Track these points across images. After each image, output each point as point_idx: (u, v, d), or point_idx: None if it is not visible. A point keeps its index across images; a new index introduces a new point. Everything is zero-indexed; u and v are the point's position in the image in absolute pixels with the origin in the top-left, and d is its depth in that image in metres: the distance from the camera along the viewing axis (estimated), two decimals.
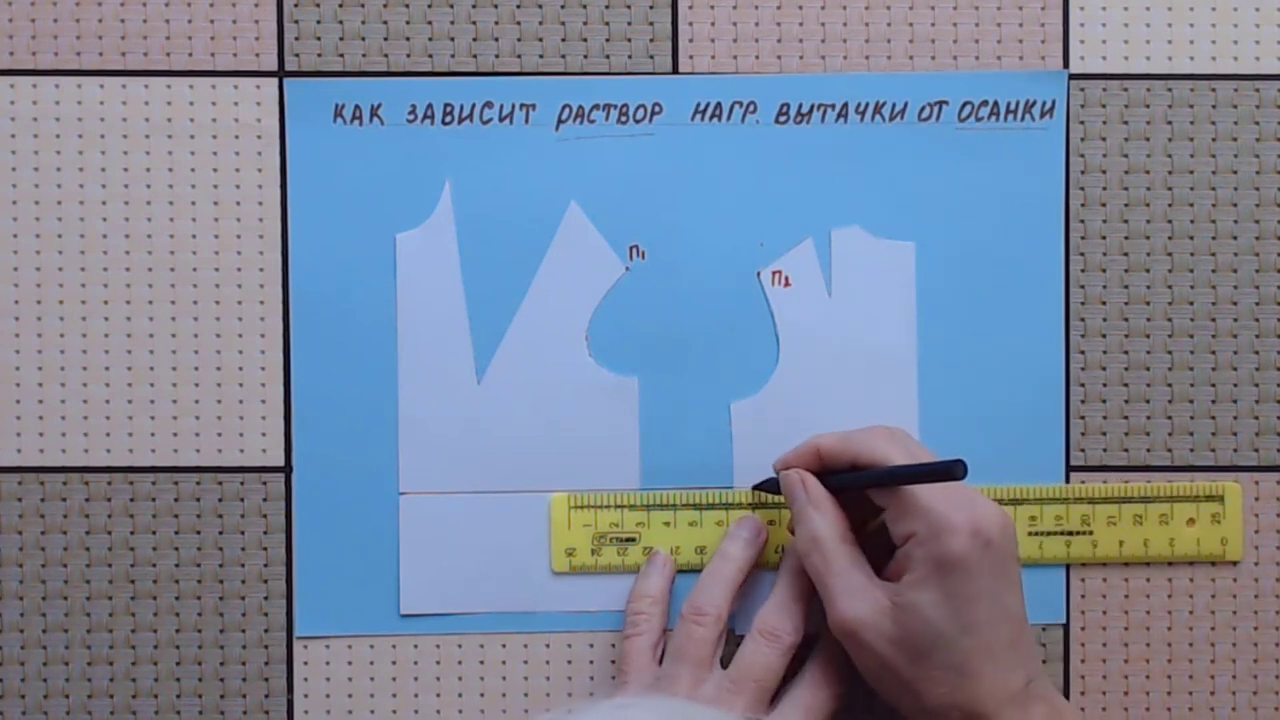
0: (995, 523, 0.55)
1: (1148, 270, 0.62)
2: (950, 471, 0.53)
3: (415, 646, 0.61)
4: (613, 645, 0.61)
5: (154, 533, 0.61)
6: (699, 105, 0.61)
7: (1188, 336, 0.62)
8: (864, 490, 0.57)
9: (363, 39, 0.61)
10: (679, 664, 0.58)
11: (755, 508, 0.61)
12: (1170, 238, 0.62)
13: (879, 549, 0.57)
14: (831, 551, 0.57)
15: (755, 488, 0.61)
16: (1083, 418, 0.62)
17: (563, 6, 0.61)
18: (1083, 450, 0.62)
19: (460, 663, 0.61)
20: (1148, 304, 0.62)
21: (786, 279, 0.61)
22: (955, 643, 0.54)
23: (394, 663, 0.61)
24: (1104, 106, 0.62)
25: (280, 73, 0.61)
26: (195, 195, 0.61)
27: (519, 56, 0.61)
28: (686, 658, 0.58)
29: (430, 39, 0.61)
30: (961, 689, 0.54)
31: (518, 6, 0.61)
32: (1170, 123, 0.62)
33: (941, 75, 0.61)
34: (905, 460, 0.56)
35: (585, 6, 0.61)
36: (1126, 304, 0.62)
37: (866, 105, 0.61)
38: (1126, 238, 0.62)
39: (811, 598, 0.59)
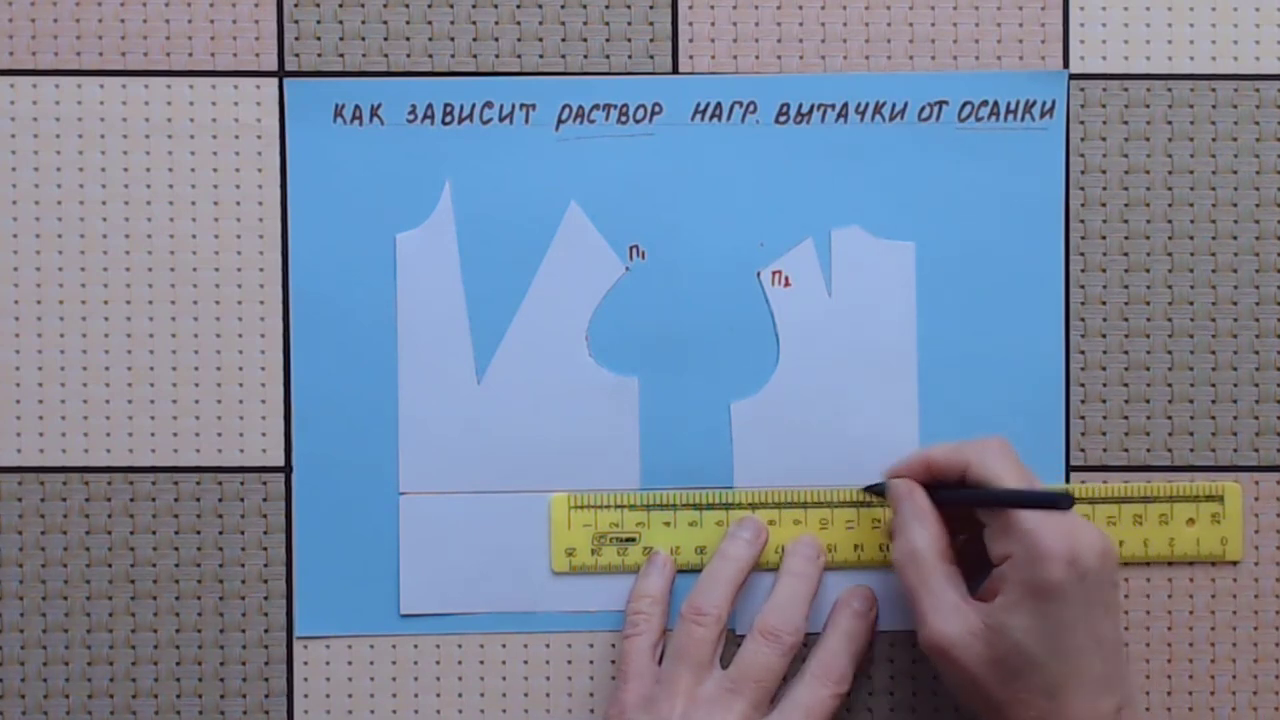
0: (1094, 550, 0.55)
1: (1148, 270, 0.62)
2: (1056, 503, 0.54)
3: (415, 646, 0.61)
4: (613, 645, 0.61)
5: (154, 533, 0.61)
6: (699, 105, 0.61)
7: (1188, 336, 0.62)
8: (968, 507, 0.57)
9: (363, 39, 0.61)
10: (679, 664, 0.58)
11: (755, 508, 0.61)
12: (1170, 238, 0.62)
13: (972, 564, 0.57)
14: (929, 567, 0.56)
15: (865, 489, 0.61)
16: (1083, 418, 0.62)
17: (563, 6, 0.61)
18: (1083, 450, 0.62)
19: (460, 663, 0.61)
20: (1148, 304, 0.62)
21: (786, 279, 0.61)
22: (1046, 667, 0.54)
23: (394, 663, 0.61)
24: (1104, 106, 0.62)
25: (280, 73, 0.61)
26: (195, 195, 0.61)
27: (519, 56, 0.61)
28: (686, 658, 0.58)
29: (430, 39, 0.61)
30: (1050, 713, 0.54)
31: (518, 6, 0.61)
32: (1170, 123, 0.62)
33: (941, 75, 0.61)
34: (1015, 479, 0.56)
35: (585, 6, 0.61)
36: (1126, 304, 0.62)
37: (866, 105, 0.61)
38: (1126, 238, 0.62)
39: (812, 598, 0.59)
